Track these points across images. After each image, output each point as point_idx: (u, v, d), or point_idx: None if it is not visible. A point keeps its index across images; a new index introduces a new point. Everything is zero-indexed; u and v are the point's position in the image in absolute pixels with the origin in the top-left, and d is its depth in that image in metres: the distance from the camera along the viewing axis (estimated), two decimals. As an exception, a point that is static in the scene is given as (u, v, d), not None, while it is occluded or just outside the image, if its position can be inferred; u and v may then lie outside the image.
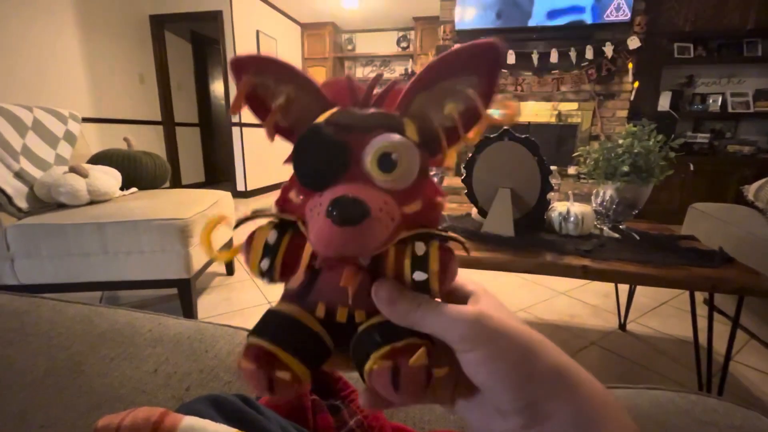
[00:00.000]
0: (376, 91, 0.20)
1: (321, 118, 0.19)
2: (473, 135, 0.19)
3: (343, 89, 0.20)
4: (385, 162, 0.18)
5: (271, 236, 0.19)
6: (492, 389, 0.17)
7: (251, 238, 0.20)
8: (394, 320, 0.18)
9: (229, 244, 1.66)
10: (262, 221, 0.20)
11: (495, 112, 0.19)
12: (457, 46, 0.17)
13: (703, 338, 1.00)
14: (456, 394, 0.20)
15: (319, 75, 5.43)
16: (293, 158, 0.19)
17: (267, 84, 0.19)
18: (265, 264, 0.19)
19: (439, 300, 0.19)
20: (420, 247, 0.19)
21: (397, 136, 0.18)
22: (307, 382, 0.18)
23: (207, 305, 1.67)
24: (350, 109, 0.19)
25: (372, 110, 0.19)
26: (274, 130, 0.19)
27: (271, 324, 0.19)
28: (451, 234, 0.20)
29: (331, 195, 0.17)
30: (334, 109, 0.19)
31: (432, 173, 0.20)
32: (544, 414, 0.16)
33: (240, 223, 0.20)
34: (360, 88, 0.20)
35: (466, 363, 0.17)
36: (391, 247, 0.19)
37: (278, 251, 0.19)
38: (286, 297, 0.20)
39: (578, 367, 0.17)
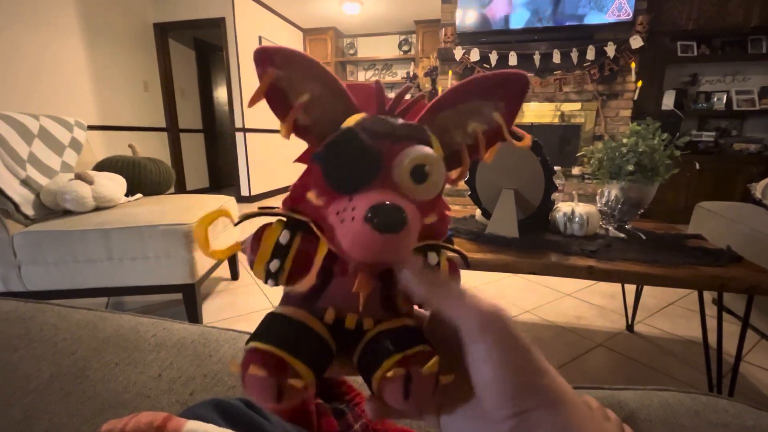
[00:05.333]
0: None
1: (350, 122, 0.18)
2: (489, 155, 0.20)
3: (369, 95, 0.20)
4: (419, 173, 0.18)
5: (284, 236, 0.18)
6: (491, 389, 0.17)
7: (259, 236, 0.19)
8: (416, 291, 0.18)
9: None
10: (268, 219, 0.19)
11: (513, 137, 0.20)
12: (487, 72, 0.19)
13: (712, 339, 0.98)
14: (442, 402, 0.19)
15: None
16: (323, 160, 0.18)
17: (291, 79, 0.18)
18: (274, 265, 0.18)
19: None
20: (433, 258, 0.20)
21: (429, 149, 0.18)
22: (314, 388, 0.18)
23: (212, 310, 1.67)
24: (381, 116, 0.19)
25: (401, 121, 0.19)
26: (292, 128, 0.19)
27: (275, 328, 0.18)
28: (456, 248, 0.21)
29: (366, 200, 0.16)
30: (364, 115, 0.19)
31: None
32: (530, 425, 0.16)
33: (244, 219, 0.19)
34: (386, 97, 0.20)
35: (474, 355, 0.17)
36: None
37: (289, 253, 0.18)
38: (290, 300, 0.19)
39: (563, 380, 0.18)
